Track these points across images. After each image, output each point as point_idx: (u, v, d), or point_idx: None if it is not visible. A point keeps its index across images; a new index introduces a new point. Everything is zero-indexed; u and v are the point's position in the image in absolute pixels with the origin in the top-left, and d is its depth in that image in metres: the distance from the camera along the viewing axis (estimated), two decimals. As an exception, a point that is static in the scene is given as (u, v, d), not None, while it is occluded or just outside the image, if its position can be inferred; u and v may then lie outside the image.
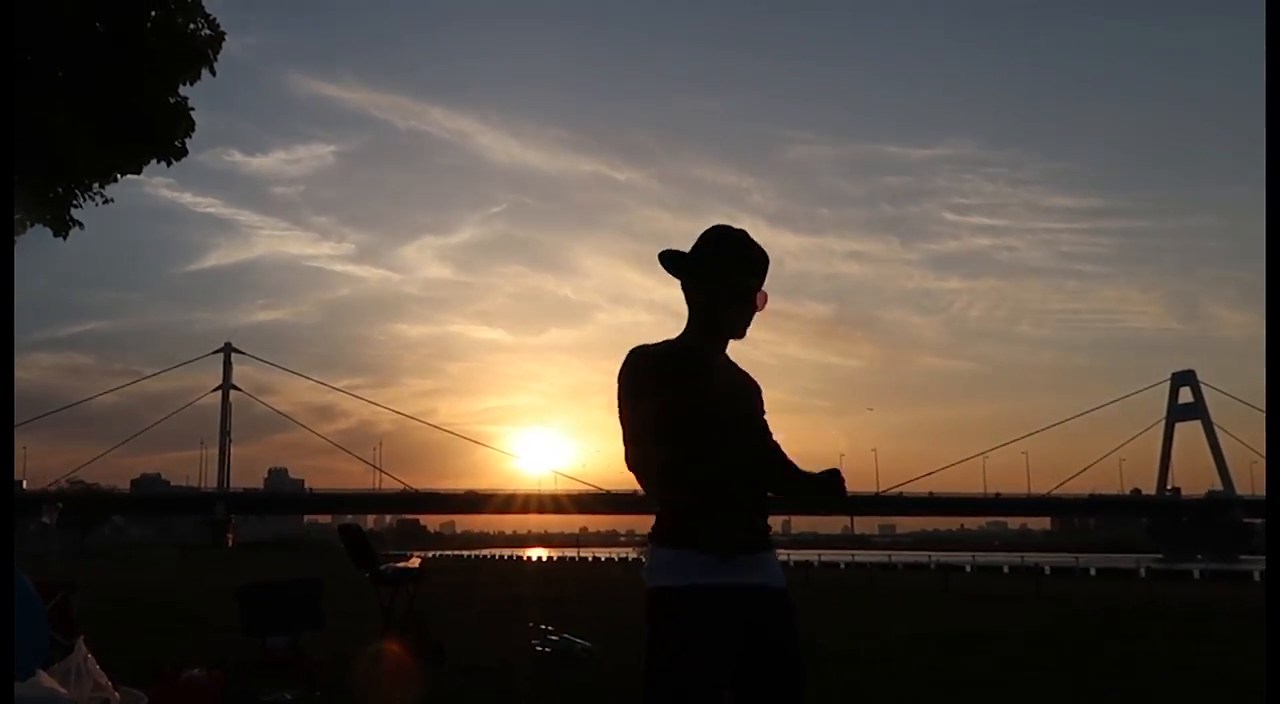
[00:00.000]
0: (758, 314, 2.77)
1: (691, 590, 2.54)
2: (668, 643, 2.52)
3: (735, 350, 2.84)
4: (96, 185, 9.34)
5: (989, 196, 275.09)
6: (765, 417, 2.86)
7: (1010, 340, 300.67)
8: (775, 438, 2.89)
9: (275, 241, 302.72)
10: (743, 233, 2.78)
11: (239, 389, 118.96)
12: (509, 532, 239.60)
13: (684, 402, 2.61)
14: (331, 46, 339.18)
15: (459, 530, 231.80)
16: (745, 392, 2.80)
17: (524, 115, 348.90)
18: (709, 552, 2.55)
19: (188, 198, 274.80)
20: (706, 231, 2.80)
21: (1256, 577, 35.90)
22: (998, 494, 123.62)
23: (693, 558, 2.56)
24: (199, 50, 9.05)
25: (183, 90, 9.33)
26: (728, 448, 2.64)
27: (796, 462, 2.84)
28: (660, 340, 2.75)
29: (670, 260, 2.77)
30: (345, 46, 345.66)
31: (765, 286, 2.76)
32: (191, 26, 9.02)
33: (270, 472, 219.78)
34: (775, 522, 2.90)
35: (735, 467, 2.64)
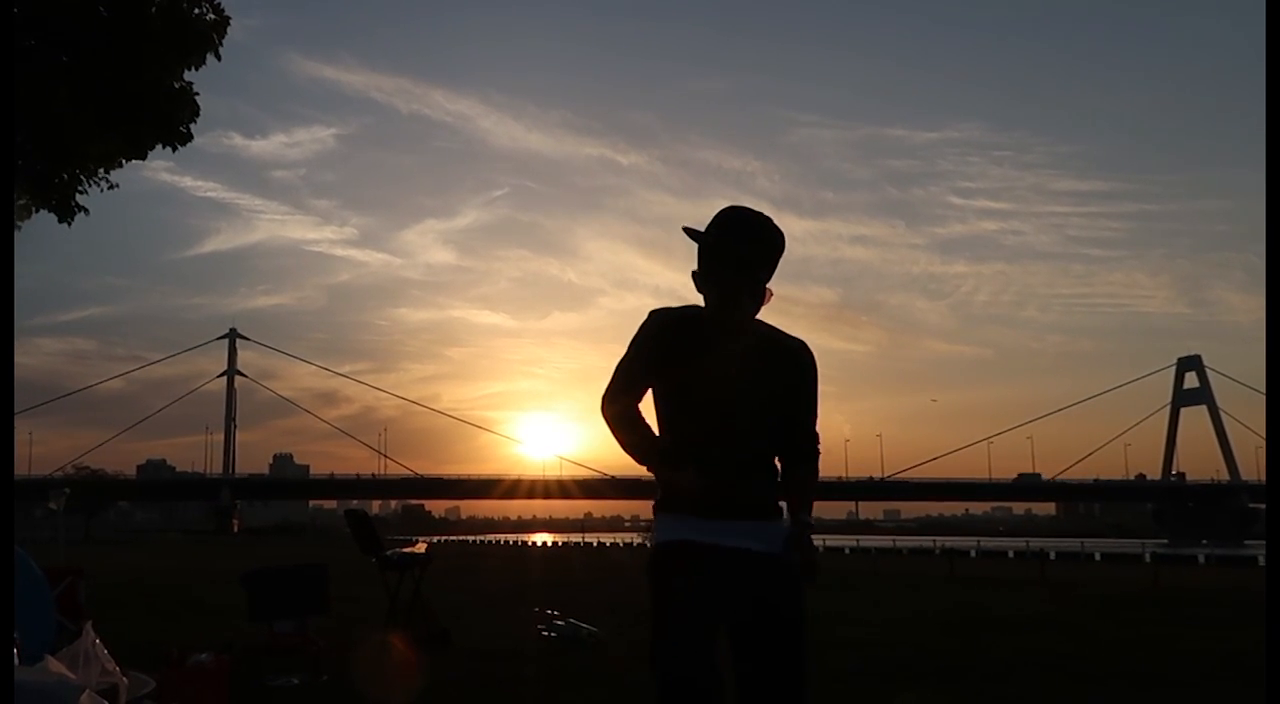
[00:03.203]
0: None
1: (674, 543, 2.63)
2: (656, 594, 2.62)
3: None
4: (101, 171, 9.32)
5: (995, 180, 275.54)
6: (796, 395, 2.76)
7: (1016, 325, 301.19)
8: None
9: (276, 226, 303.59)
10: (745, 222, 2.59)
11: (243, 375, 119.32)
12: (514, 517, 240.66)
13: (676, 377, 2.67)
14: (333, 29, 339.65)
15: (464, 516, 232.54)
16: (755, 374, 2.66)
17: (527, 98, 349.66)
18: (686, 514, 2.64)
19: (188, 181, 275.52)
20: (717, 214, 2.62)
21: (1261, 562, 35.89)
22: (1025, 475, 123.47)
23: (678, 520, 2.66)
24: (203, 34, 9.00)
25: (186, 74, 9.30)
26: (707, 429, 2.65)
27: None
28: (685, 305, 2.71)
29: (690, 236, 2.63)
30: (346, 29, 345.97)
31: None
32: (196, 11, 8.98)
33: (275, 457, 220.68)
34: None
35: (710, 447, 2.64)
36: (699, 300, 2.68)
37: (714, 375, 2.63)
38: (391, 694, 6.20)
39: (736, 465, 2.66)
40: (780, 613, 2.64)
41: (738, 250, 2.56)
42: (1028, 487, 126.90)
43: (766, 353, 2.70)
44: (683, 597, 2.56)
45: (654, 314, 2.70)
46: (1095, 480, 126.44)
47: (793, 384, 2.75)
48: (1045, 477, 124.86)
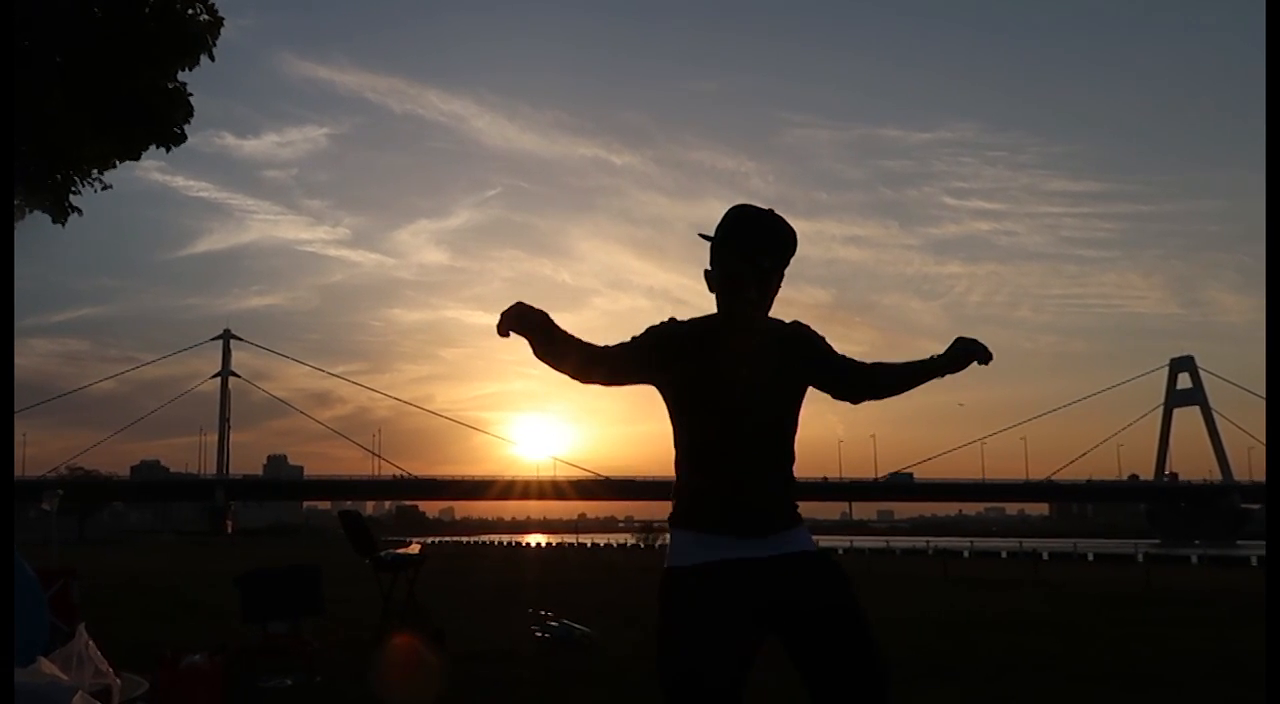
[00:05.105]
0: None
1: (686, 570, 2.53)
2: (662, 624, 2.51)
3: None
4: (95, 171, 9.32)
5: (989, 180, 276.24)
6: (824, 365, 2.75)
7: (1010, 325, 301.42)
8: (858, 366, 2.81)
9: (269, 226, 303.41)
10: (751, 216, 2.61)
11: (237, 375, 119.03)
12: (508, 518, 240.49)
13: (681, 384, 2.62)
14: (326, 29, 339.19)
15: (458, 517, 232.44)
16: (769, 372, 2.63)
17: (520, 98, 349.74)
18: (700, 532, 2.56)
19: (180, 181, 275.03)
20: (726, 211, 2.64)
21: (1254, 562, 35.99)
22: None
23: (691, 538, 2.57)
24: (197, 36, 9.00)
25: (180, 75, 9.29)
26: (718, 427, 2.61)
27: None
28: (698, 316, 2.69)
29: (704, 238, 2.63)
30: (340, 29, 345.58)
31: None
32: (190, 12, 8.98)
33: (269, 458, 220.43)
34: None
35: (723, 446, 2.60)
36: (695, 304, 2.68)
37: (724, 373, 2.60)
38: (385, 695, 6.21)
39: (749, 465, 2.61)
40: (808, 605, 2.53)
41: (742, 239, 2.57)
42: (1020, 487, 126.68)
43: (775, 348, 2.67)
44: (691, 616, 2.47)
45: (671, 319, 2.68)
46: (1088, 481, 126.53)
47: (813, 362, 2.75)
48: (1038, 477, 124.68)
